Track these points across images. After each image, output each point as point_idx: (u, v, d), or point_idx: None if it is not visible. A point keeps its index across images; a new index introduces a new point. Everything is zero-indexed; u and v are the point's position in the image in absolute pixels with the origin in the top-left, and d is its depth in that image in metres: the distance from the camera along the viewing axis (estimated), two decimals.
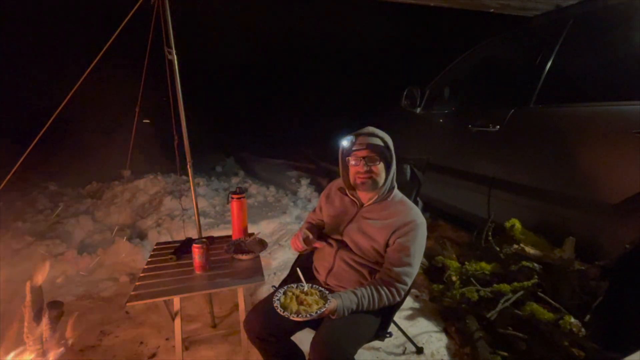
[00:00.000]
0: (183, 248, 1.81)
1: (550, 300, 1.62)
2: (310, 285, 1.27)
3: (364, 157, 1.34)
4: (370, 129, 1.40)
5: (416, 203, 1.61)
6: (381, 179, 1.36)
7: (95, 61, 1.61)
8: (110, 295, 2.39)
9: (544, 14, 2.34)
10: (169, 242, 2.01)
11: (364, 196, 1.44)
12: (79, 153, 5.95)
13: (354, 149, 1.37)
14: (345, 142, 1.41)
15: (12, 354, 1.31)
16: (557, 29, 2.07)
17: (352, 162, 1.38)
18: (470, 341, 1.76)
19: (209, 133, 7.85)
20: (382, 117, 3.92)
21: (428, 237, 1.42)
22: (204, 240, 1.68)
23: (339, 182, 1.55)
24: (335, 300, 1.20)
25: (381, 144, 1.36)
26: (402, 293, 1.32)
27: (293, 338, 1.38)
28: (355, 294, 1.25)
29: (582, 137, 1.80)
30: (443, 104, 3.12)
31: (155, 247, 1.94)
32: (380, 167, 1.35)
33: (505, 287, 1.78)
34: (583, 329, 1.46)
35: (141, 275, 1.61)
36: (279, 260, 2.85)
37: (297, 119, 9.80)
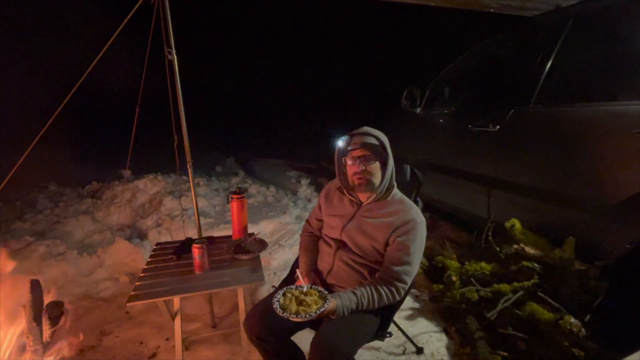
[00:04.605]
0: (183, 248, 1.81)
1: (550, 300, 1.62)
2: (309, 285, 1.27)
3: (359, 157, 1.35)
4: (365, 128, 1.40)
5: (416, 203, 1.61)
6: (376, 178, 1.36)
7: (95, 61, 1.61)
8: (110, 295, 2.39)
9: (544, 14, 2.34)
10: (169, 242, 2.02)
11: (363, 195, 1.44)
12: (79, 153, 5.95)
13: (349, 148, 1.38)
14: (340, 143, 1.41)
15: (12, 354, 1.31)
16: (557, 29, 2.07)
17: (349, 162, 1.38)
18: (470, 341, 1.76)
19: (209, 133, 7.85)
20: (382, 117, 3.92)
21: (428, 237, 1.42)
22: (204, 240, 1.68)
23: (337, 181, 1.55)
24: (335, 300, 1.20)
25: (376, 142, 1.36)
26: (402, 292, 1.32)
27: (293, 338, 1.38)
28: (355, 294, 1.25)
29: (582, 137, 1.80)
30: (443, 104, 3.12)
31: (155, 247, 1.94)
32: (375, 166, 1.35)
33: (505, 287, 1.78)
34: (583, 329, 1.46)
35: (141, 275, 1.61)
36: (279, 260, 2.85)
37: (298, 119, 9.79)
